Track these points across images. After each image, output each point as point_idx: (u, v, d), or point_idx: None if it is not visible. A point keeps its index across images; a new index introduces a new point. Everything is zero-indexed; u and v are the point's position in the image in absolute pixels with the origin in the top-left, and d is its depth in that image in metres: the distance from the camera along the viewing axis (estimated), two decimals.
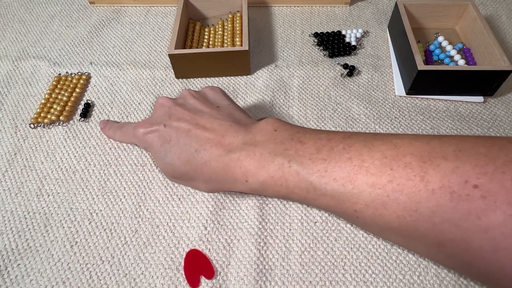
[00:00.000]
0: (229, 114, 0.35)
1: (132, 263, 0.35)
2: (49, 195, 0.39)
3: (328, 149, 0.28)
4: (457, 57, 0.50)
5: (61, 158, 0.42)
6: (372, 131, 0.44)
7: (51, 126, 0.45)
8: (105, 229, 0.37)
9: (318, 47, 0.55)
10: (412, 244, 0.26)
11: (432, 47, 0.52)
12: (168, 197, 0.39)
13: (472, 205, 0.21)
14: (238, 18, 0.56)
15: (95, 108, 0.47)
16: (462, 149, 0.23)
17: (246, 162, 0.30)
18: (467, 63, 0.50)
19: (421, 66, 0.43)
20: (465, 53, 0.51)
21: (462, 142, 0.24)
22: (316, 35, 0.56)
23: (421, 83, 0.46)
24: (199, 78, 0.51)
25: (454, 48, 0.51)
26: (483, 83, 0.45)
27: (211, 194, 0.39)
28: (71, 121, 0.46)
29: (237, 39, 0.53)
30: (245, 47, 0.47)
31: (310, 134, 0.30)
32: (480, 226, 0.21)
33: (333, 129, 0.45)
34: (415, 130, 0.45)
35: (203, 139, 0.32)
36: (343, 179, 0.26)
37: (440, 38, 0.53)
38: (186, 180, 0.36)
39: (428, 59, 0.51)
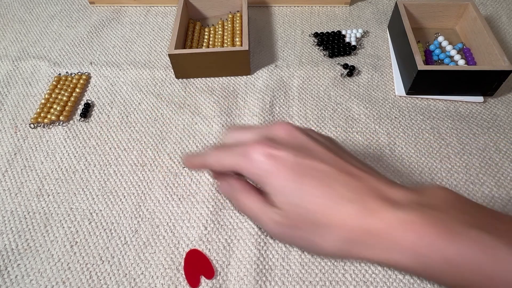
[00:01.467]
0: (364, 163, 0.27)
1: (132, 263, 0.35)
2: (49, 195, 0.39)
3: None
4: (457, 57, 0.50)
5: (61, 158, 0.42)
6: (372, 131, 0.45)
7: (51, 126, 0.45)
8: (105, 229, 0.37)
9: (318, 47, 0.55)
10: None
11: (432, 47, 0.52)
12: (168, 197, 0.39)
13: None
14: (238, 18, 0.56)
15: (95, 108, 0.47)
16: None
17: (421, 228, 0.22)
18: (467, 63, 0.50)
19: (421, 66, 0.43)
20: (465, 53, 0.51)
21: None
22: (316, 35, 0.56)
23: (421, 83, 0.45)
24: (199, 78, 0.51)
25: (454, 48, 0.51)
26: (483, 83, 0.45)
27: (210, 194, 0.39)
28: (71, 121, 0.46)
29: (237, 39, 0.53)
30: (245, 47, 0.47)
31: (501, 219, 0.23)
32: None
33: (333, 128, 0.45)
34: (415, 130, 0.45)
35: (353, 186, 0.24)
36: None
37: (440, 38, 0.53)
38: (308, 232, 0.26)
39: (428, 59, 0.51)
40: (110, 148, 0.43)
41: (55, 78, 0.50)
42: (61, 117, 0.45)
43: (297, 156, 0.25)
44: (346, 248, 0.24)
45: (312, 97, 0.48)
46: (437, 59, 0.51)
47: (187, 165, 0.30)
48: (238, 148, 0.27)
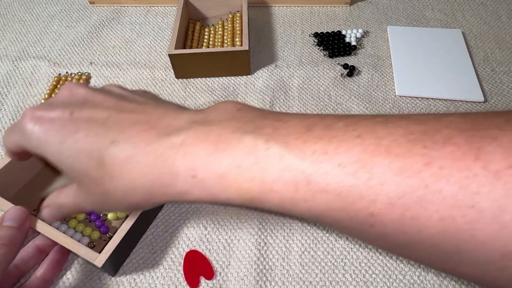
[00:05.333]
0: (171, 103, 0.26)
1: (132, 263, 0.34)
2: None
3: (323, 126, 0.19)
4: None
5: None
6: None
7: None
8: None
9: (318, 47, 0.55)
10: (455, 262, 0.17)
11: None
12: None
13: None
14: (238, 18, 0.56)
15: None
16: None
17: (195, 146, 0.20)
18: None
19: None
20: None
21: (497, 126, 0.17)
22: (316, 35, 0.56)
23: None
24: (199, 78, 0.51)
25: None
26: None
27: None
28: None
29: (237, 39, 0.53)
30: (245, 47, 0.47)
31: (291, 114, 0.22)
32: None
33: None
34: None
35: (127, 123, 0.22)
36: (354, 164, 0.17)
37: None
38: (94, 197, 0.24)
39: None
40: None
41: (55, 78, 0.49)
42: None
43: (74, 112, 0.23)
44: (135, 198, 0.22)
45: (312, 97, 0.48)
46: None
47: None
48: (19, 123, 0.24)
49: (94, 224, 0.35)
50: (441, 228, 0.16)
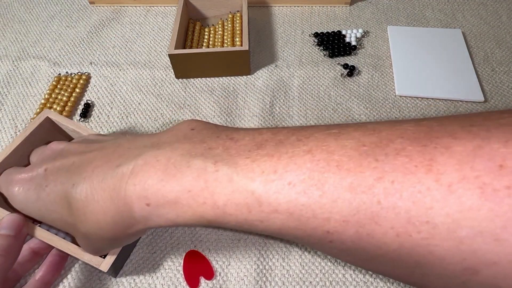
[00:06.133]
0: (139, 134, 0.25)
1: (132, 263, 0.34)
2: None
3: (274, 143, 0.19)
4: None
5: None
6: None
7: None
8: None
9: (318, 47, 0.55)
10: (419, 275, 0.16)
11: None
12: None
13: None
14: (238, 18, 0.56)
15: (95, 108, 0.47)
16: (474, 124, 0.16)
17: (144, 173, 0.20)
18: None
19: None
20: None
21: (468, 118, 0.16)
22: (316, 35, 0.56)
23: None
24: (199, 78, 0.51)
25: None
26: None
27: None
28: None
29: (237, 39, 0.53)
30: (245, 47, 0.47)
31: (245, 130, 0.21)
32: None
33: None
34: None
35: (86, 164, 0.23)
36: (304, 182, 0.17)
37: None
38: (84, 241, 0.25)
39: None
40: None
41: (55, 78, 0.49)
42: None
43: (47, 167, 0.25)
44: (102, 240, 0.23)
45: (312, 97, 0.48)
46: None
47: None
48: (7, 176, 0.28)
49: None
50: (398, 244, 0.15)
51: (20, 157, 0.33)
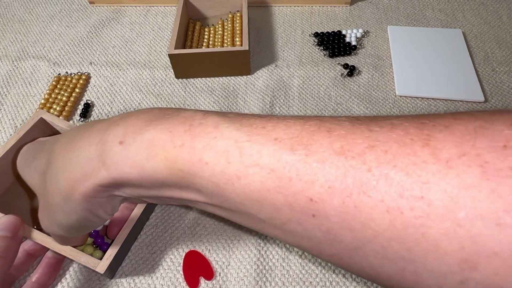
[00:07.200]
0: None
1: (132, 264, 0.34)
2: None
3: (268, 117, 0.19)
4: None
5: None
6: None
7: None
8: None
9: (318, 47, 0.55)
10: (410, 272, 0.15)
11: None
12: None
13: None
14: (238, 18, 0.56)
15: (95, 108, 0.47)
16: (476, 111, 0.15)
17: (131, 119, 0.20)
18: None
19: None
20: None
21: (470, 111, 0.15)
22: (316, 35, 0.56)
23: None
24: (199, 78, 0.51)
25: None
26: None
27: None
28: (71, 121, 0.46)
29: (237, 39, 0.53)
30: (245, 47, 0.47)
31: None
32: None
33: None
34: None
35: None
36: (291, 140, 0.16)
37: None
38: (43, 204, 0.24)
39: None
40: None
41: (55, 78, 0.49)
42: (60, 117, 0.45)
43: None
44: (71, 171, 0.21)
45: (312, 97, 0.48)
46: None
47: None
48: None
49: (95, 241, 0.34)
50: (388, 223, 0.14)
51: (14, 158, 0.33)
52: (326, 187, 0.15)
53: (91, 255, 0.31)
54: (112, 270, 0.33)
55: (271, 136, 0.16)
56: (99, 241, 0.34)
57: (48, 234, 0.29)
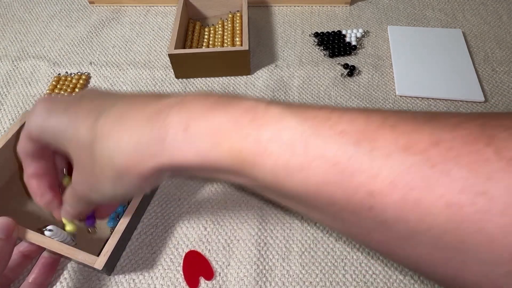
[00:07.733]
0: None
1: (132, 263, 0.34)
2: None
3: (326, 106, 0.19)
4: None
5: None
6: None
7: None
8: None
9: (318, 47, 0.55)
10: (458, 262, 0.15)
11: None
12: (168, 198, 0.39)
13: None
14: (238, 18, 0.56)
15: None
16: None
17: (192, 102, 0.20)
18: None
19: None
20: None
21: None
22: (316, 35, 0.56)
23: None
24: (199, 78, 0.51)
25: None
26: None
27: (213, 190, 0.39)
28: None
29: (237, 39, 0.53)
30: (245, 47, 0.47)
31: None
32: None
33: None
34: None
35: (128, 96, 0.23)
36: (356, 134, 0.16)
37: None
38: (84, 172, 0.23)
39: None
40: None
41: (55, 78, 0.49)
42: None
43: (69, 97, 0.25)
44: (130, 150, 0.20)
45: (312, 97, 0.48)
46: None
47: None
48: None
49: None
50: (446, 217, 0.14)
51: (4, 160, 0.32)
52: (388, 182, 0.15)
53: (63, 228, 0.30)
54: (110, 267, 0.33)
55: (337, 129, 0.17)
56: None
57: (44, 230, 0.29)
